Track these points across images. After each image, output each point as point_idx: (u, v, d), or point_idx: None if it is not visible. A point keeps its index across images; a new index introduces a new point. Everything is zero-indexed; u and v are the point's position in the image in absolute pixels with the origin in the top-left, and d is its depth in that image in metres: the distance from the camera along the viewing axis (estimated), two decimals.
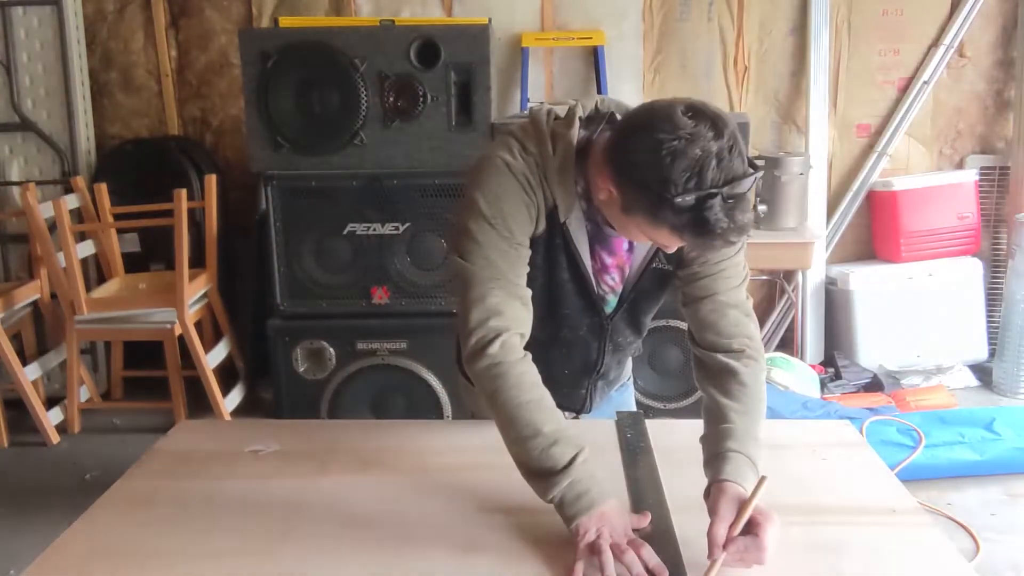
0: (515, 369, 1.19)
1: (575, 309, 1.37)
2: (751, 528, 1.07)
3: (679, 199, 1.04)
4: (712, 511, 1.10)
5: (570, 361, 1.46)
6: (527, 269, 1.27)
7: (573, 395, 1.52)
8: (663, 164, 1.05)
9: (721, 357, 1.29)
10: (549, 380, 1.25)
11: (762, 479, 1.10)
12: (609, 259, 1.35)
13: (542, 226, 1.27)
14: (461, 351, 1.25)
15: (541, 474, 1.14)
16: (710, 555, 1.06)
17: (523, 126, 1.29)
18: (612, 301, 1.40)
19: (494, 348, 1.19)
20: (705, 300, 1.31)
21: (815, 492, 1.28)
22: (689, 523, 1.17)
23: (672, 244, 1.17)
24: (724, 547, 1.05)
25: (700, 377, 1.33)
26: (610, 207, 1.20)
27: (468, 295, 1.22)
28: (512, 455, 1.18)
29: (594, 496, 1.11)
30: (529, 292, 1.26)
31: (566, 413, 1.52)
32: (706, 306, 1.31)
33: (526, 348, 1.24)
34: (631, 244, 1.35)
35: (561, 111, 1.29)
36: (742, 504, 1.08)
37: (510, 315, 1.22)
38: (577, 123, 1.26)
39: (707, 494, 1.14)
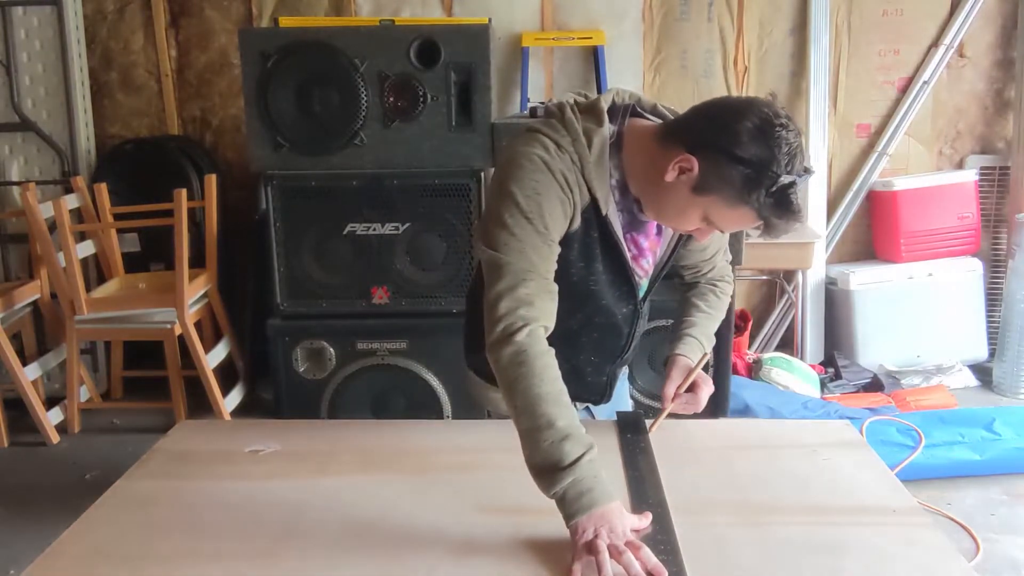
0: (539, 360, 1.19)
1: (612, 299, 1.40)
2: (692, 389, 1.46)
3: (783, 177, 1.13)
4: (666, 375, 1.48)
5: (599, 348, 1.48)
6: (555, 266, 1.28)
7: (595, 383, 1.54)
8: (771, 142, 1.14)
9: (706, 279, 1.61)
10: (574, 369, 1.38)
11: (704, 355, 1.51)
12: (645, 243, 1.39)
13: (576, 223, 1.29)
14: (485, 338, 1.24)
15: (546, 468, 1.13)
16: (662, 405, 1.45)
17: (549, 123, 1.30)
18: (644, 285, 1.45)
19: (521, 336, 1.20)
20: (705, 262, 1.58)
21: (815, 492, 1.28)
22: (689, 523, 1.17)
23: (733, 225, 1.25)
24: (672, 399, 1.44)
25: (681, 285, 1.63)
26: (672, 189, 1.22)
27: (499, 284, 1.23)
28: (522, 446, 1.17)
29: (596, 496, 1.11)
30: (556, 287, 1.27)
31: (582, 405, 1.56)
32: (706, 266, 1.59)
33: (555, 336, 1.25)
34: (659, 227, 1.39)
35: (571, 101, 1.32)
36: (688, 371, 1.46)
37: (540, 307, 1.23)
38: (606, 118, 1.28)
39: (664, 363, 1.51)
